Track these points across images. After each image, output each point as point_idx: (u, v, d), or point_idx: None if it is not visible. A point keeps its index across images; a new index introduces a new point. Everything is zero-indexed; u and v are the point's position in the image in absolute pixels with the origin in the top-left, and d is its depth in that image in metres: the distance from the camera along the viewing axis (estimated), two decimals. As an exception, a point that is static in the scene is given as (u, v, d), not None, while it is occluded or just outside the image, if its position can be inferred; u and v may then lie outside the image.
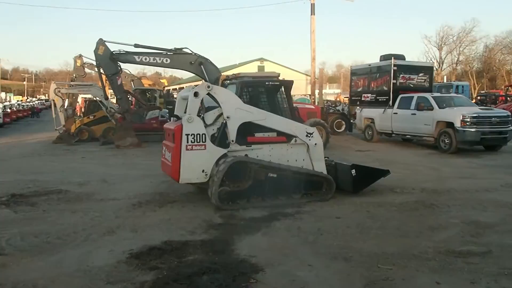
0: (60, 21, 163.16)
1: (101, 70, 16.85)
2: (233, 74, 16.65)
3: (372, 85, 18.68)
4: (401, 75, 17.50)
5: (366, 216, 6.78)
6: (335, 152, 14.28)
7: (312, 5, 26.54)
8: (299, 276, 4.59)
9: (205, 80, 17.46)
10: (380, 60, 18.55)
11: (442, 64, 61.47)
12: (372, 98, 18.55)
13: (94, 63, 17.99)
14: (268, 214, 6.88)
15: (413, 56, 56.57)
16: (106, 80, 17.42)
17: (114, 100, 21.88)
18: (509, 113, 15.18)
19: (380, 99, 17.97)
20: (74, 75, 23.03)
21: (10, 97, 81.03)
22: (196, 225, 6.34)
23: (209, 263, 4.94)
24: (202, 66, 16.53)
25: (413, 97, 15.93)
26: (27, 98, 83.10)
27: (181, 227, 6.25)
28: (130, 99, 19.58)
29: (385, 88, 17.73)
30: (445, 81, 45.55)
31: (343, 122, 20.88)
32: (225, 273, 4.64)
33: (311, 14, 26.20)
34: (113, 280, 4.50)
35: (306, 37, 50.65)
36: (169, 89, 46.94)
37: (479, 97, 36.06)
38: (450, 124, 14.05)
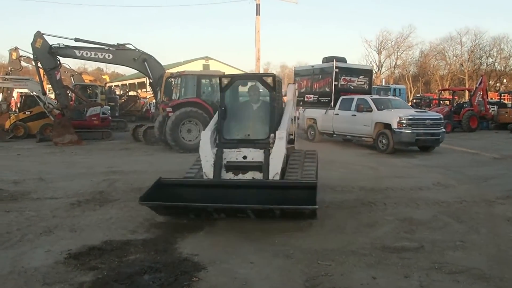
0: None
1: (39, 64, 16.17)
2: (178, 72, 16.50)
3: (315, 86, 19.06)
4: (343, 77, 18.00)
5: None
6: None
7: (258, 6, 26.80)
8: (241, 274, 4.66)
9: (149, 78, 17.19)
10: (323, 62, 18.97)
11: (381, 67, 63.98)
12: (314, 99, 18.93)
13: (32, 56, 17.17)
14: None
15: (354, 59, 58.31)
16: (44, 74, 16.69)
17: (52, 96, 20.98)
18: (442, 116, 16.11)
19: (322, 100, 18.38)
20: (9, 69, 21.82)
21: None
22: (138, 224, 6.25)
23: (150, 262, 4.90)
24: (146, 63, 16.28)
25: (353, 98, 16.39)
26: (-45, 91, 77.56)
27: (122, 226, 6.14)
28: (69, 94, 18.90)
29: (327, 90, 18.15)
30: (383, 84, 47.42)
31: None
32: (167, 272, 4.62)
33: (256, 15, 26.47)
34: (50, 281, 4.36)
35: (251, 37, 50.96)
36: (111, 86, 45.56)
37: (414, 100, 37.88)
38: (388, 126, 14.61)
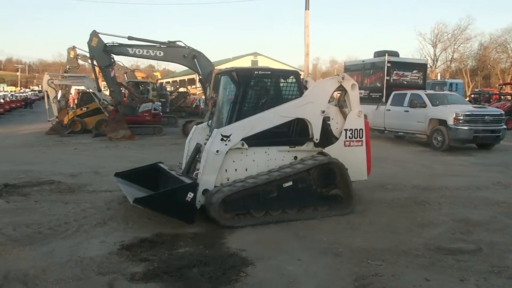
0: (55, 12, 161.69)
1: (95, 62, 16.78)
2: (226, 68, 16.61)
3: (366, 81, 18.65)
4: (395, 72, 17.52)
5: (356, 212, 6.80)
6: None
7: (307, 0, 26.45)
8: (289, 270, 4.62)
9: (198, 74, 17.44)
10: (374, 57, 18.52)
11: (436, 61, 61.53)
12: (365, 94, 18.52)
13: (88, 54, 17.90)
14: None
15: (407, 53, 56.39)
16: (99, 72, 17.33)
17: (107, 92, 21.77)
18: (503, 112, 15.28)
19: (373, 96, 17.97)
20: (68, 67, 22.86)
21: (3, 87, 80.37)
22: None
23: (199, 256, 4.96)
24: (195, 60, 16.51)
25: (406, 94, 15.95)
26: (21, 89, 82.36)
27: (172, 220, 6.23)
28: (123, 91, 19.51)
29: (379, 85, 17.73)
30: (439, 78, 45.66)
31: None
32: (215, 266, 4.66)
33: (306, 9, 26.07)
34: (104, 271, 4.52)
35: (300, 32, 50.75)
36: (162, 82, 46.74)
37: (472, 95, 36.15)
38: (443, 122, 14.08)
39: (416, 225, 6.23)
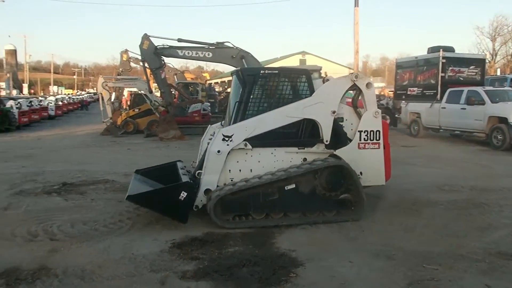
0: (108, 17, 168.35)
1: (146, 64, 17.23)
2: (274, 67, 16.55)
3: (419, 78, 18.11)
4: (450, 68, 16.86)
5: (410, 214, 6.57)
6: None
7: (357, -3, 25.93)
8: (340, 272, 4.52)
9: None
10: (428, 53, 17.91)
11: (496, 56, 58.28)
12: (418, 92, 17.99)
13: (139, 57, 18.40)
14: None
15: (464, 48, 53.96)
16: (150, 74, 17.78)
17: (158, 94, 22.32)
18: None
19: (427, 93, 17.39)
20: (121, 69, 23.66)
21: (61, 90, 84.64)
22: (237, 217, 6.35)
23: (249, 255, 4.95)
24: (243, 60, 16.55)
25: (463, 91, 15.32)
26: (77, 92, 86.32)
27: (222, 219, 6.28)
28: (173, 92, 19.90)
29: (433, 82, 17.13)
30: (498, 74, 43.37)
31: (388, 117, 20.35)
32: (265, 266, 4.63)
33: (355, 6, 25.60)
34: (156, 268, 4.61)
35: (349, 30, 49.82)
36: (211, 83, 47.38)
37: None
38: (504, 120, 13.41)
39: (475, 228, 5.93)
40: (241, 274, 4.49)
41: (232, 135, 6.13)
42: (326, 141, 6.36)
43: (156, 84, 19.17)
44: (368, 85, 6.51)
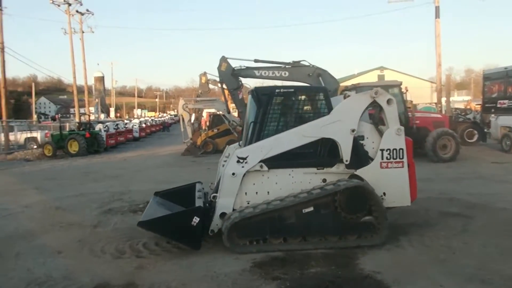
0: (186, 42, 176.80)
1: (224, 86, 17.75)
2: (352, 84, 16.32)
3: (510, 90, 16.91)
4: (545, 78, 15.55)
5: (505, 235, 6.05)
6: (467, 164, 13.16)
7: (437, 8, 24.96)
8: (431, 297, 4.25)
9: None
10: (519, 62, 16.69)
11: None
12: (509, 104, 16.76)
13: (218, 79, 19.01)
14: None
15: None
16: (228, 94, 18.26)
17: (235, 114, 22.83)
18: None
19: (519, 106, 16.17)
20: (200, 91, 24.53)
21: (144, 113, 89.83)
22: (318, 237, 6.23)
23: (332, 276, 4.83)
24: (320, 78, 16.50)
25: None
26: (159, 114, 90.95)
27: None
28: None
29: (526, 93, 15.90)
30: None
31: (475, 132, 19.10)
32: (349, 289, 4.48)
33: (436, 18, 24.64)
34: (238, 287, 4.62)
35: (430, 42, 47.81)
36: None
37: None
38: None
39: None
40: (324, 295, 4.37)
41: (247, 157, 6.02)
42: (346, 160, 6.08)
43: (234, 105, 19.65)
44: (389, 101, 6.16)
